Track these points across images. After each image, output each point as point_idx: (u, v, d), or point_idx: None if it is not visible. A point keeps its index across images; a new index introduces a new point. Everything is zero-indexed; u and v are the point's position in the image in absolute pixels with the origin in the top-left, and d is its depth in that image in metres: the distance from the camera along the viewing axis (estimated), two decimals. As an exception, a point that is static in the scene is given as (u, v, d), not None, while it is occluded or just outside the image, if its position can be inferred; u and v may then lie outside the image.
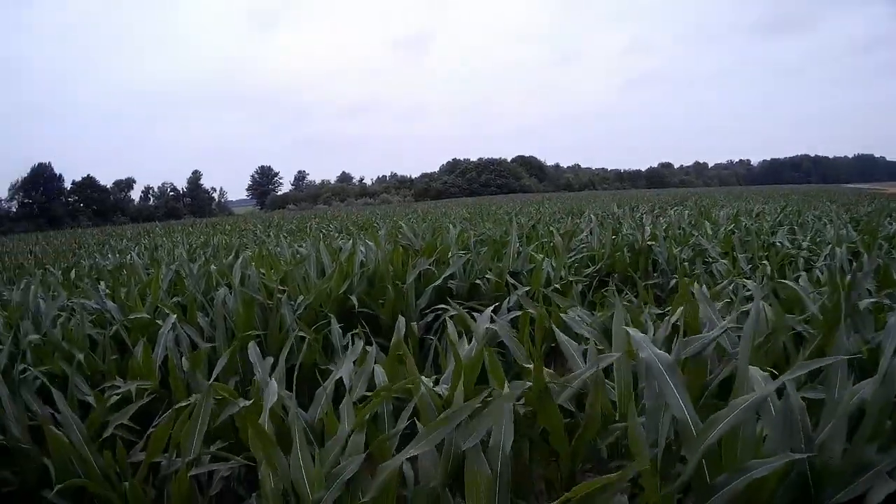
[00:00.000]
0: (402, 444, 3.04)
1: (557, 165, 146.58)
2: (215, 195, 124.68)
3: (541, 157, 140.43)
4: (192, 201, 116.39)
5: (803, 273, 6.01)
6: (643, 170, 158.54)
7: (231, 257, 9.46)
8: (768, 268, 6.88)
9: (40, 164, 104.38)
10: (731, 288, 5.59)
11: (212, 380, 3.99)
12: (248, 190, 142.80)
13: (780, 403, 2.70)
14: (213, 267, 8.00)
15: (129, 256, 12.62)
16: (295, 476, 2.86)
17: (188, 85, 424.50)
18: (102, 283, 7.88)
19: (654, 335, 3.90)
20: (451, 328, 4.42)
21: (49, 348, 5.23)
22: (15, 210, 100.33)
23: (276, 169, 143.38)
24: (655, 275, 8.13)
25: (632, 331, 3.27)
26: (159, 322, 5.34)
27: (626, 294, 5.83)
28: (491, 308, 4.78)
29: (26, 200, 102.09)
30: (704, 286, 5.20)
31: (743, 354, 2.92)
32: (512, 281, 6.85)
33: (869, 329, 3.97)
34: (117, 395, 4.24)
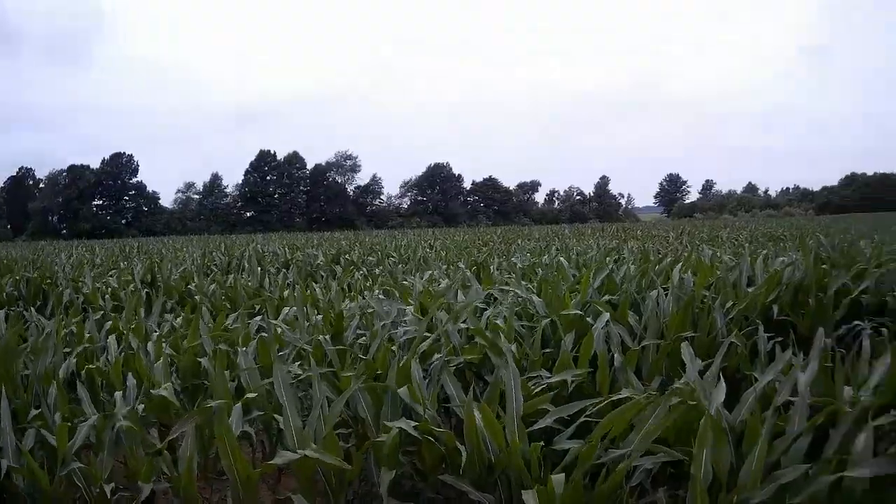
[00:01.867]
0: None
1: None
2: (622, 201, 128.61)
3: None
4: (599, 206, 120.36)
5: None
6: None
7: (668, 261, 10.19)
8: None
9: (437, 164, 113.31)
10: None
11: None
12: (655, 197, 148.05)
13: None
14: (643, 268, 8.74)
15: (544, 257, 13.59)
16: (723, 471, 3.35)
17: (608, 90, 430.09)
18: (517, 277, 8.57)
19: None
20: (865, 344, 4.83)
21: (468, 336, 6.03)
22: (406, 206, 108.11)
23: (683, 177, 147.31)
24: None
25: None
26: (589, 320, 6.00)
27: None
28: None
29: (420, 198, 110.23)
30: None
31: None
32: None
33: None
34: (542, 385, 4.88)
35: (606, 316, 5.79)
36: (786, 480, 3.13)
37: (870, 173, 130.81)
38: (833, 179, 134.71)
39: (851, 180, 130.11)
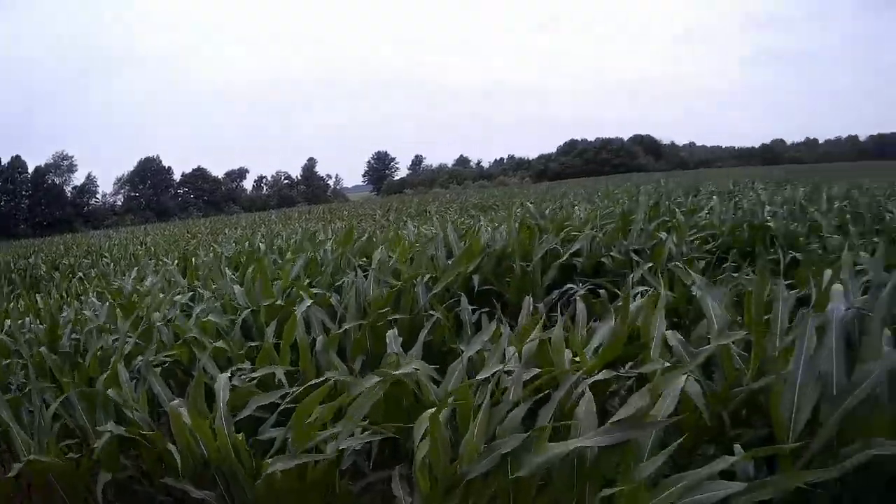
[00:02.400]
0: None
1: (672, 143, 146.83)
2: (330, 182, 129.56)
3: (657, 136, 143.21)
4: (307, 189, 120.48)
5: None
6: (756, 146, 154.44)
7: (363, 239, 10.10)
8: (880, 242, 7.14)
9: (147, 158, 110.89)
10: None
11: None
12: (363, 176, 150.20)
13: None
14: (342, 250, 8.67)
15: (246, 244, 13.50)
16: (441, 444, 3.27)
17: (307, 73, 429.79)
18: (226, 269, 8.44)
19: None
20: (580, 307, 4.87)
21: (174, 334, 5.82)
22: (120, 203, 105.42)
23: (392, 154, 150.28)
24: (772, 250, 8.31)
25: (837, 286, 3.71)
26: (294, 309, 5.71)
27: (745, 269, 6.28)
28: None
29: (133, 194, 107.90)
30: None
31: (877, 322, 3.26)
32: (636, 258, 7.26)
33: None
34: (247, 379, 4.69)
35: (307, 301, 5.69)
36: (506, 450, 3.07)
37: (591, 139, 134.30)
38: (553, 149, 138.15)
39: (571, 147, 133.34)
